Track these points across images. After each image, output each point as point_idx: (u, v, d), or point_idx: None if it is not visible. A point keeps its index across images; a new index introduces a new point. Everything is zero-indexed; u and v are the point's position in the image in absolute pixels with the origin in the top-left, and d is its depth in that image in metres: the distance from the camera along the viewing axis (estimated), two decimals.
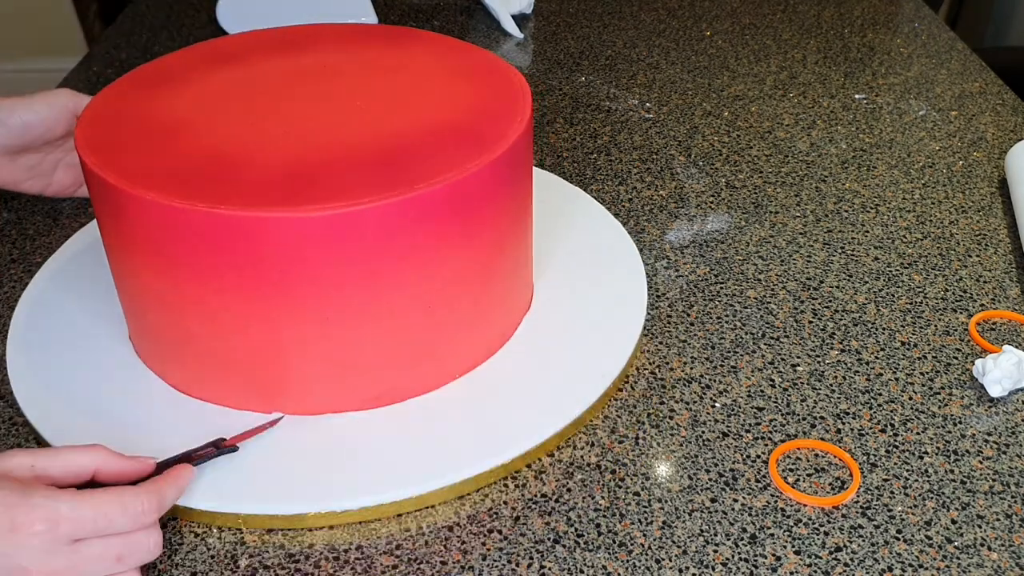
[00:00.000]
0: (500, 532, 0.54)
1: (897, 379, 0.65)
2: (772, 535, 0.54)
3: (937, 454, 0.59)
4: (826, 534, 0.54)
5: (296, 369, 0.57)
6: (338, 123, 0.60)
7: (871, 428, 0.61)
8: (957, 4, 2.07)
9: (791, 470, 0.58)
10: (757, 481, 0.57)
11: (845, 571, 0.52)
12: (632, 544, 0.54)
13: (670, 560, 0.53)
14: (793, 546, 0.53)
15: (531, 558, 0.53)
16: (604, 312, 0.68)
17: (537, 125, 0.95)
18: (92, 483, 0.51)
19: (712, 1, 1.24)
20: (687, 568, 0.52)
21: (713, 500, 0.56)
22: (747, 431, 0.61)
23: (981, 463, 0.58)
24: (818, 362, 0.66)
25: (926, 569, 0.52)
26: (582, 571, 0.52)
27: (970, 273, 0.74)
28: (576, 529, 0.54)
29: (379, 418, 0.59)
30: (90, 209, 0.82)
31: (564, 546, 0.54)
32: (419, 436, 0.58)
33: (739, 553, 0.53)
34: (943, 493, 0.56)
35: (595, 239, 0.75)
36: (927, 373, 0.65)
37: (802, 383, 0.64)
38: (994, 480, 0.57)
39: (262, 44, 0.70)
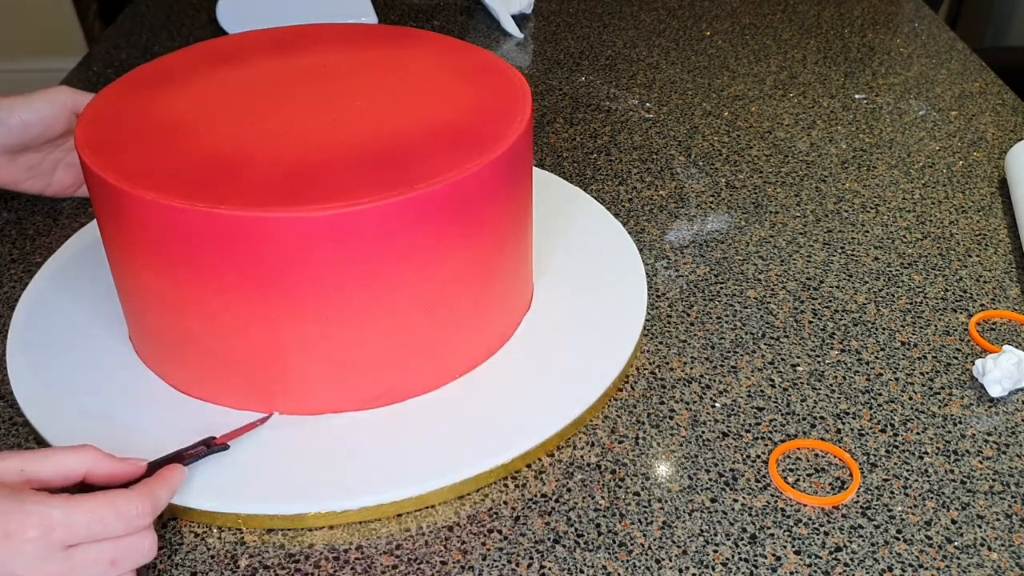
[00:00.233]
0: (500, 532, 0.54)
1: (897, 379, 0.65)
2: (772, 535, 0.54)
3: (937, 454, 0.59)
4: (826, 534, 0.54)
5: (296, 369, 0.57)
6: (338, 123, 0.60)
7: (871, 428, 0.61)
8: (957, 4, 2.07)
9: (791, 470, 0.58)
10: (757, 481, 0.57)
11: (845, 571, 0.52)
12: (632, 544, 0.54)
13: (670, 560, 0.53)
14: (793, 546, 0.53)
15: (531, 558, 0.53)
16: (604, 312, 0.68)
17: (537, 125, 0.95)
18: (83, 485, 0.51)
19: (712, 1, 1.24)
20: (687, 568, 0.52)
21: (713, 500, 0.56)
22: (747, 431, 0.61)
23: (981, 463, 0.58)
24: (818, 362, 0.66)
25: (926, 569, 0.52)
26: (582, 571, 0.52)
27: (970, 273, 0.74)
28: (576, 529, 0.54)
29: (379, 418, 0.59)
30: (90, 209, 0.82)
31: (564, 546, 0.54)
32: (419, 436, 0.58)
33: (739, 553, 0.53)
34: (943, 493, 0.56)
35: (595, 239, 0.75)
36: (927, 373, 0.65)
37: (802, 383, 0.64)
38: (994, 480, 0.57)
39: (262, 44, 0.70)
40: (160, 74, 0.66)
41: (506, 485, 0.57)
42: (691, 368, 0.65)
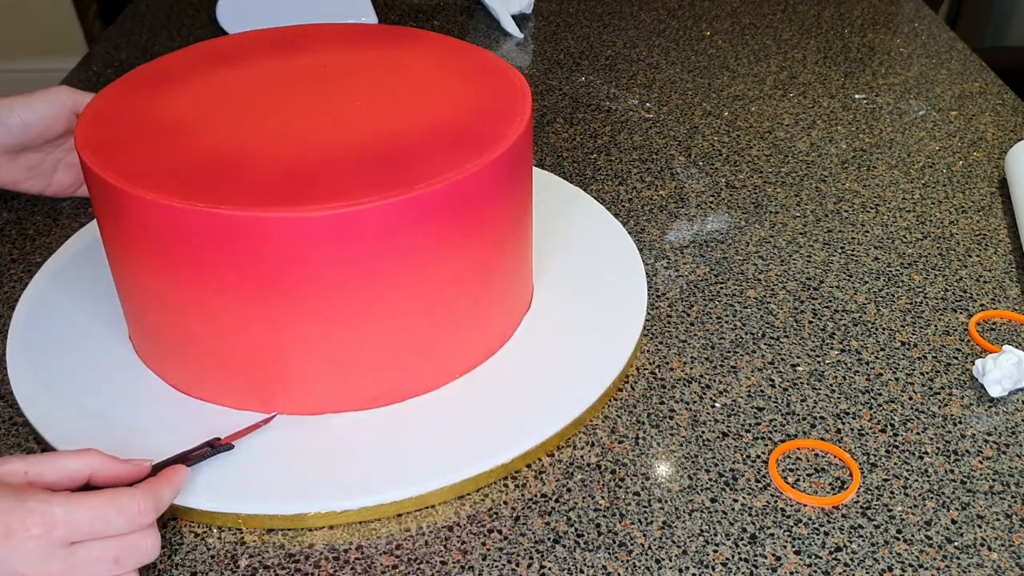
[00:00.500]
0: (500, 532, 0.54)
1: (897, 379, 0.65)
2: (772, 535, 0.54)
3: (937, 454, 0.59)
4: (826, 534, 0.54)
5: (296, 369, 0.57)
6: (338, 123, 0.60)
7: (871, 428, 0.61)
8: (957, 4, 2.07)
9: (791, 470, 0.58)
10: (757, 481, 0.57)
11: (845, 571, 0.52)
12: (632, 544, 0.54)
13: (670, 560, 0.53)
14: (793, 546, 0.53)
15: (531, 558, 0.53)
16: (604, 312, 0.68)
17: (537, 125, 0.95)
18: (87, 488, 0.51)
19: (712, 1, 1.24)
20: (687, 568, 0.52)
21: (713, 500, 0.56)
22: (747, 431, 0.61)
23: (981, 463, 0.58)
24: (818, 362, 0.66)
25: (926, 569, 0.52)
26: (582, 571, 0.52)
27: (970, 273, 0.74)
28: (576, 529, 0.54)
29: (379, 418, 0.59)
30: (90, 209, 0.82)
31: (564, 546, 0.54)
32: (419, 436, 0.58)
33: (739, 553, 0.53)
34: (943, 493, 0.56)
35: (595, 239, 0.75)
36: (927, 373, 0.65)
37: (802, 383, 0.64)
38: (994, 480, 0.57)
39: (262, 44, 0.70)
40: (160, 74, 0.66)
41: (506, 485, 0.57)
42: (691, 368, 0.65)
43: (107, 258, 0.61)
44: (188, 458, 0.54)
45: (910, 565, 0.52)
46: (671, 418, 0.62)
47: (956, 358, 0.66)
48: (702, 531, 0.54)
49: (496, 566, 0.53)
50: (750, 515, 0.55)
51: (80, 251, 0.75)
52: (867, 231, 0.79)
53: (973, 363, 0.65)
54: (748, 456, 0.59)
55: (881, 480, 0.57)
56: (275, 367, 0.57)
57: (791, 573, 0.52)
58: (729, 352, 0.67)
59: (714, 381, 0.64)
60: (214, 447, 0.55)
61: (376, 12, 1.18)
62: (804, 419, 0.61)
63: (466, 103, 0.62)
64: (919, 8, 1.21)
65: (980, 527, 0.54)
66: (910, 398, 0.63)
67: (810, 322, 0.69)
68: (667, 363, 0.66)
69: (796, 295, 0.72)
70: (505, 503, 0.56)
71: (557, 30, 1.17)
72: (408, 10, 1.22)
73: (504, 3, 1.17)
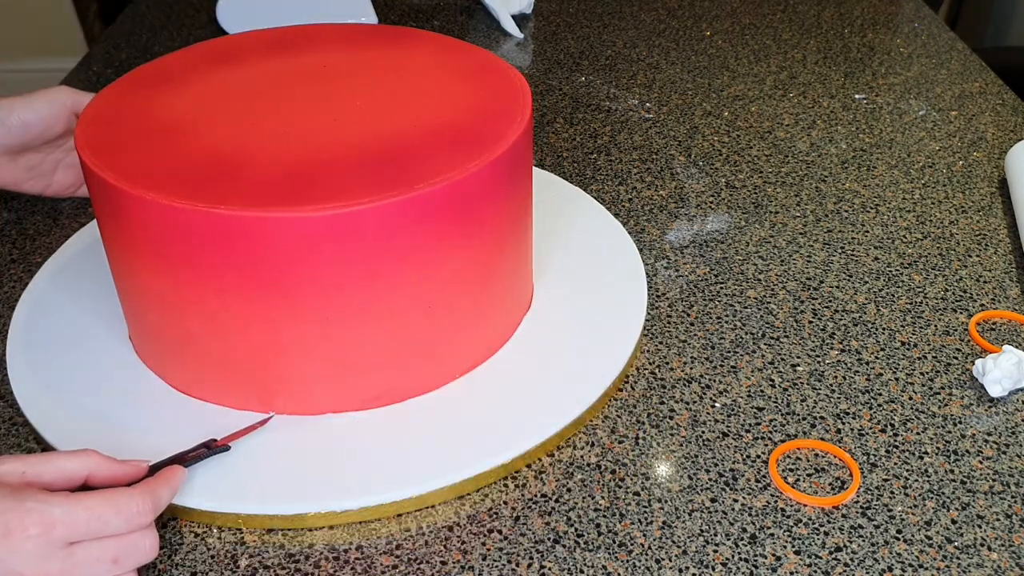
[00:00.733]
0: (500, 532, 0.54)
1: (897, 379, 0.65)
2: (772, 535, 0.54)
3: (937, 454, 0.59)
4: (826, 534, 0.54)
5: (296, 369, 0.57)
6: (338, 123, 0.60)
7: (871, 428, 0.61)
8: (957, 4, 2.07)
9: (791, 470, 0.58)
10: (757, 481, 0.57)
11: (845, 571, 0.52)
12: (632, 544, 0.54)
13: (670, 560, 0.53)
14: (793, 546, 0.53)
15: (531, 558, 0.53)
16: (604, 312, 0.68)
17: (537, 125, 0.95)
18: (85, 488, 0.51)
19: (712, 1, 1.24)
20: (687, 568, 0.52)
21: (713, 500, 0.56)
22: (747, 431, 0.61)
23: (981, 463, 0.58)
24: (818, 362, 0.66)
25: (926, 569, 0.52)
26: (582, 571, 0.52)
27: (970, 273, 0.74)
28: (576, 529, 0.54)
29: (379, 418, 0.59)
30: (90, 209, 0.82)
31: (564, 546, 0.54)
32: (419, 436, 0.58)
33: (739, 553, 0.53)
34: (943, 493, 0.56)
35: (595, 239, 0.75)
36: (927, 373, 0.65)
37: (802, 383, 0.64)
38: (994, 480, 0.57)
39: (262, 44, 0.70)
40: (160, 74, 0.66)
41: (506, 485, 0.57)
42: (691, 368, 0.65)
43: (107, 258, 0.61)
44: (185, 459, 0.54)
45: (910, 565, 0.52)
46: (671, 418, 0.62)
47: (956, 358, 0.66)
48: (702, 531, 0.54)
49: (496, 566, 0.53)
50: (750, 515, 0.55)
51: (80, 251, 0.75)
52: (867, 231, 0.79)
53: (973, 363, 0.65)
54: (748, 456, 0.59)
55: (881, 480, 0.57)
56: (275, 367, 0.57)
57: (791, 573, 0.52)
58: (729, 352, 0.67)
59: (714, 381, 0.64)
60: (210, 448, 0.55)
61: (376, 12, 1.18)
62: (804, 419, 0.61)
63: (466, 103, 0.62)
64: (919, 8, 1.21)
65: (980, 527, 0.54)
66: (910, 398, 0.63)
67: (810, 322, 0.69)
68: (667, 363, 0.66)
69: (796, 295, 0.72)
70: (505, 503, 0.56)
71: (557, 30, 1.17)
72: (408, 10, 1.22)
73: (504, 3, 1.17)
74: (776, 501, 0.56)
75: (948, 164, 0.88)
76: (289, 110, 0.62)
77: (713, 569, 0.52)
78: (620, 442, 0.60)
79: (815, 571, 0.52)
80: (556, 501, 0.56)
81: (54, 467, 0.50)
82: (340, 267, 0.54)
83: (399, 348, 0.58)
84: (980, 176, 0.86)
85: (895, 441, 0.60)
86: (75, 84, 1.04)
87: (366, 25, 0.74)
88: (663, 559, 0.53)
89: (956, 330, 0.69)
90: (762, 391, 0.64)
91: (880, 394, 0.63)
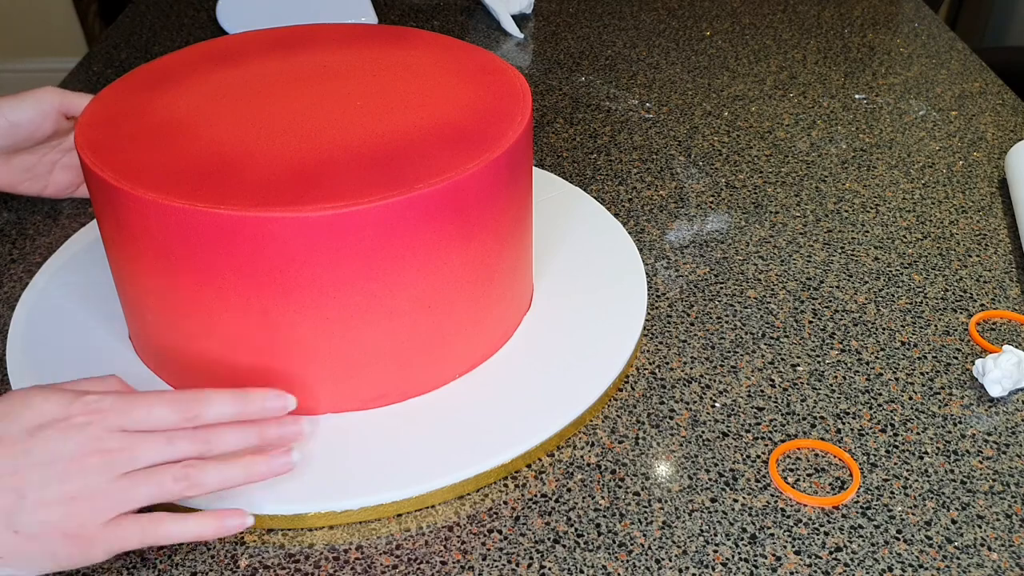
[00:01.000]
0: (500, 532, 0.54)
1: (897, 379, 0.65)
2: (772, 535, 0.54)
3: (937, 454, 0.59)
4: (826, 534, 0.54)
5: (296, 369, 0.57)
6: (338, 123, 0.60)
7: (871, 428, 0.61)
8: (957, 4, 2.07)
9: (791, 470, 0.58)
10: (757, 481, 0.57)
11: (845, 571, 0.52)
12: (632, 544, 0.54)
13: (670, 560, 0.53)
14: (793, 546, 0.53)
15: (531, 558, 0.53)
16: (604, 312, 0.68)
17: (537, 125, 0.95)
18: None
19: (712, 1, 1.24)
20: (687, 568, 0.52)
21: (713, 500, 0.56)
22: (747, 431, 0.61)
23: (981, 463, 0.58)
24: (818, 362, 0.66)
25: (926, 569, 0.52)
26: (582, 571, 0.52)
27: (970, 273, 0.74)
28: (576, 529, 0.54)
29: (379, 418, 0.59)
30: (90, 209, 0.82)
31: (564, 546, 0.54)
32: (419, 436, 0.58)
33: (739, 553, 0.53)
34: (943, 493, 0.57)
35: (595, 239, 0.75)
36: (927, 373, 0.65)
37: (802, 383, 0.64)
38: (994, 480, 0.57)
39: (262, 44, 0.70)
40: (160, 74, 0.66)
41: (506, 485, 0.57)
42: (691, 368, 0.65)
43: (107, 258, 0.61)
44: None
45: (910, 565, 0.52)
46: (671, 418, 0.62)
47: (956, 358, 0.66)
48: (702, 531, 0.54)
49: (496, 566, 0.53)
50: (750, 515, 0.55)
51: (80, 251, 0.75)
52: (867, 231, 0.79)
53: (973, 363, 0.65)
54: (748, 456, 0.59)
55: (881, 480, 0.57)
56: (275, 367, 0.57)
57: (791, 573, 0.52)
58: (729, 352, 0.67)
59: (714, 381, 0.64)
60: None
61: (376, 12, 1.18)
62: (804, 419, 0.61)
63: (466, 103, 0.62)
64: (919, 8, 1.21)
65: (980, 527, 0.54)
66: (910, 398, 0.63)
67: (810, 322, 0.69)
68: (667, 363, 0.66)
69: (796, 295, 0.72)
70: (505, 503, 0.56)
71: (557, 30, 1.17)
72: (408, 10, 1.22)
73: (504, 3, 1.17)
74: (776, 501, 0.56)
75: (948, 164, 0.88)
76: (289, 110, 0.62)
77: (713, 569, 0.52)
78: (620, 442, 0.60)
79: (815, 571, 0.52)
80: (556, 501, 0.56)
81: (82, 388, 0.51)
82: (340, 267, 0.54)
83: (399, 348, 0.58)
84: (980, 176, 0.86)
85: (895, 441, 0.60)
86: (75, 84, 1.04)
87: (366, 25, 0.74)
88: (663, 559, 0.53)
89: (956, 330, 0.69)
90: (762, 391, 0.64)
91: (880, 394, 0.63)
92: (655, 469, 0.58)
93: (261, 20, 1.11)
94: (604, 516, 0.55)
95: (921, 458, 0.59)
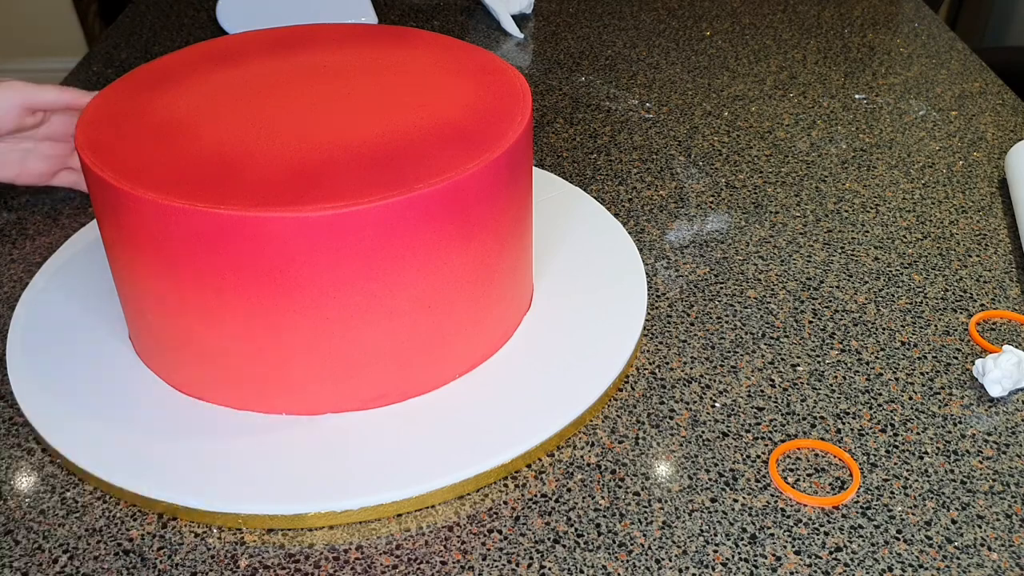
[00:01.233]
0: (500, 532, 0.54)
1: (897, 379, 0.65)
2: (772, 535, 0.54)
3: (937, 454, 0.59)
4: (826, 534, 0.54)
5: (296, 369, 0.57)
6: (338, 123, 0.60)
7: (871, 428, 0.61)
8: (957, 4, 2.07)
9: (791, 470, 0.58)
10: (757, 481, 0.57)
11: (845, 571, 0.52)
12: (632, 544, 0.54)
13: (670, 560, 0.53)
14: (793, 546, 0.53)
15: (531, 558, 0.53)
16: (604, 312, 0.68)
17: (537, 125, 0.95)
18: None
19: (712, 1, 1.24)
20: (687, 568, 0.52)
21: (713, 500, 0.56)
22: (747, 431, 0.61)
23: (981, 463, 0.58)
24: (818, 362, 0.66)
25: (926, 569, 0.52)
26: (582, 571, 0.52)
27: (970, 273, 0.74)
28: (576, 529, 0.54)
29: (379, 418, 0.59)
30: (90, 209, 0.82)
31: (564, 546, 0.54)
32: (419, 436, 0.58)
33: (739, 553, 0.53)
34: (943, 493, 0.57)
35: (595, 239, 0.75)
36: (927, 373, 0.65)
37: (802, 383, 0.64)
38: (994, 480, 0.57)
39: (262, 44, 0.70)
40: (160, 74, 0.66)
41: (506, 485, 0.57)
42: (691, 368, 0.65)
43: (107, 258, 0.61)
44: None
45: (910, 565, 0.52)
46: (671, 418, 0.62)
47: (956, 358, 0.66)
48: (702, 531, 0.54)
49: (496, 566, 0.53)
50: (750, 515, 0.55)
51: (80, 251, 0.75)
52: (867, 231, 0.79)
53: (973, 363, 0.65)
54: (748, 456, 0.59)
55: (881, 480, 0.57)
56: (275, 367, 0.57)
57: (791, 573, 0.52)
58: (729, 352, 0.67)
59: (714, 381, 0.64)
60: None
61: (376, 12, 1.18)
62: (804, 419, 0.61)
63: (466, 103, 0.62)
64: (919, 8, 1.21)
65: (980, 527, 0.54)
66: (910, 398, 0.63)
67: (810, 322, 0.69)
68: (667, 363, 0.66)
69: (796, 295, 0.72)
70: (505, 503, 0.56)
71: (557, 30, 1.17)
72: (408, 10, 1.22)
73: (504, 3, 1.17)
74: (776, 501, 0.56)
75: (948, 164, 0.88)
76: (289, 110, 0.62)
77: (713, 569, 0.52)
78: (620, 442, 0.60)
79: (815, 571, 0.52)
80: (556, 501, 0.56)
81: None
82: (340, 267, 0.54)
83: (399, 348, 0.58)
84: (980, 176, 0.86)
85: (895, 441, 0.60)
86: (75, 84, 1.04)
87: (366, 25, 0.74)
88: (663, 559, 0.53)
89: (956, 330, 0.69)
90: (762, 391, 0.64)
91: (880, 394, 0.63)
92: (655, 469, 0.58)
93: (261, 20, 1.11)
94: (604, 516, 0.55)
95: (921, 458, 0.59)
